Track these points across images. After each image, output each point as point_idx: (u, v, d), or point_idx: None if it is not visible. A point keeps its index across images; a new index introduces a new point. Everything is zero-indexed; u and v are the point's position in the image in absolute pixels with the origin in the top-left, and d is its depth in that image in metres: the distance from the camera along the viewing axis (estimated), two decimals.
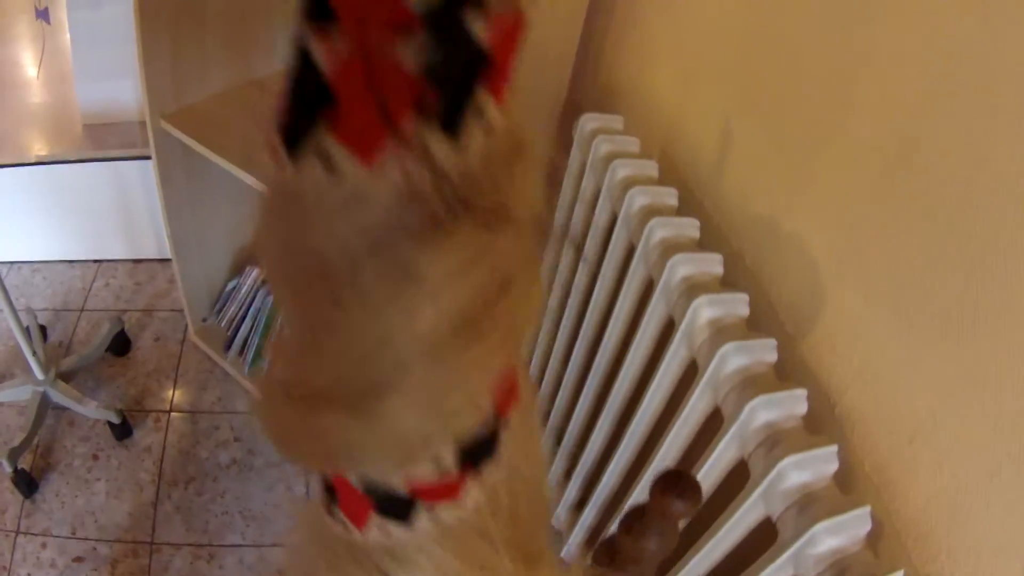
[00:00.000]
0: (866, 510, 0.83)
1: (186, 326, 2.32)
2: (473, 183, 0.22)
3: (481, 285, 0.23)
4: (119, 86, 2.36)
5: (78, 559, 1.84)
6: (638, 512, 0.58)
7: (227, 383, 2.23)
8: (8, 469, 1.89)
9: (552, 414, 1.65)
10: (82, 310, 2.43)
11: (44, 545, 1.86)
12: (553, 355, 1.63)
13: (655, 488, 0.55)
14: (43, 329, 2.28)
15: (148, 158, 1.82)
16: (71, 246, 2.59)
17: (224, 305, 2.18)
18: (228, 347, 2.19)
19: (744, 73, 1.18)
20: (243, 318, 2.12)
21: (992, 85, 0.73)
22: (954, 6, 0.78)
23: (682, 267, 1.09)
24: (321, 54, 0.21)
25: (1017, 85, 0.70)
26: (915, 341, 0.85)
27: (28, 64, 2.76)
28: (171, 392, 2.20)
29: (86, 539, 1.87)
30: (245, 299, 2.10)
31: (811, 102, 1.02)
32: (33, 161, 2.30)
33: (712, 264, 1.11)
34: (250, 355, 2.15)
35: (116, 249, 2.60)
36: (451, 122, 0.21)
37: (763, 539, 0.92)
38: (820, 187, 1.01)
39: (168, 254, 2.04)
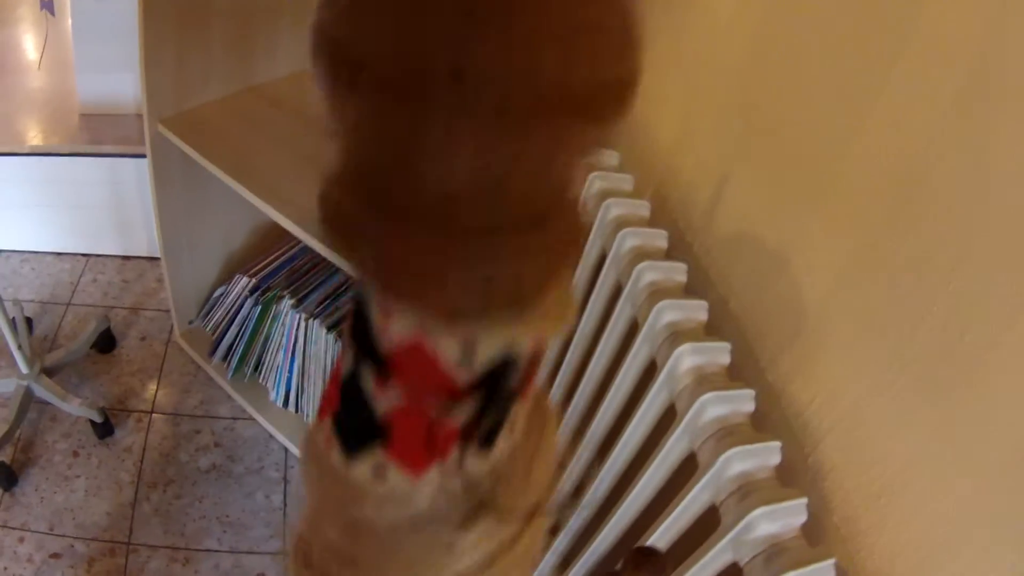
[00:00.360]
0: (830, 562, 0.88)
1: (172, 327, 2.35)
2: (498, 479, 0.28)
3: (497, 553, 0.29)
4: (119, 78, 2.40)
5: (55, 555, 1.87)
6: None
7: (210, 388, 2.27)
8: None
9: None
10: (69, 304, 2.46)
11: (22, 539, 1.89)
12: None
13: (626, 565, 0.60)
14: (29, 321, 2.31)
15: (144, 156, 1.85)
16: (62, 238, 2.61)
17: (211, 310, 2.21)
18: (213, 352, 2.22)
19: (742, 119, 1.22)
20: (229, 325, 2.15)
21: (983, 157, 0.78)
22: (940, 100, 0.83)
23: (667, 313, 1.13)
24: (378, 397, 0.26)
25: (1014, 152, 0.74)
26: (891, 401, 0.90)
27: (29, 48, 2.80)
28: (154, 393, 2.24)
29: (64, 535, 1.90)
30: (232, 306, 2.13)
31: (806, 154, 1.07)
32: (28, 151, 2.33)
33: (697, 311, 1.15)
34: (234, 362, 2.18)
35: (106, 244, 2.63)
36: (487, 440, 0.26)
37: None
38: (810, 241, 1.05)
39: (158, 252, 2.07)
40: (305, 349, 1.97)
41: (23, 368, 2.03)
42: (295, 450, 2.13)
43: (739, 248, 1.23)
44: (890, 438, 0.90)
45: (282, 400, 2.15)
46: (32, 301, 2.45)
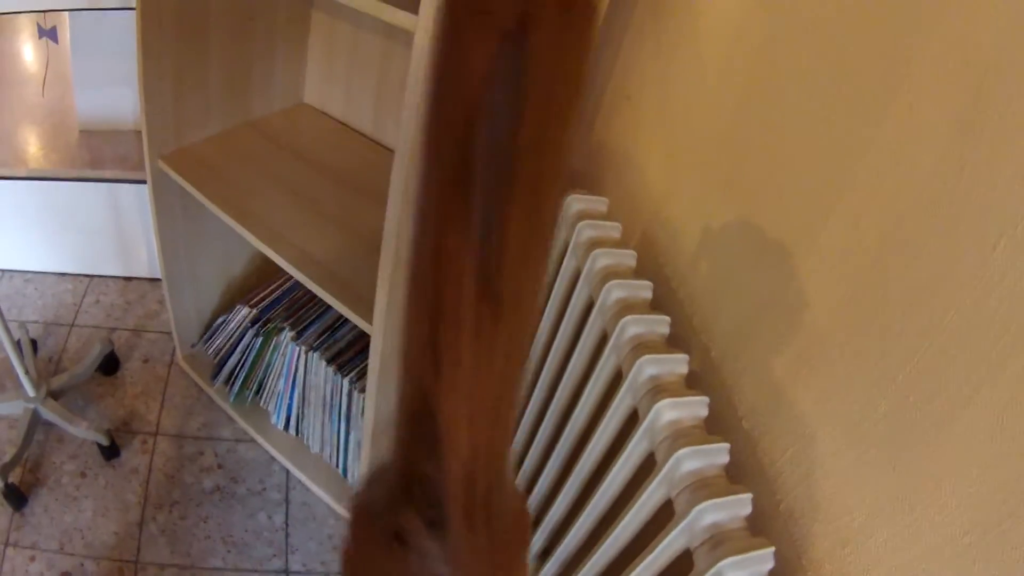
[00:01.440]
0: None
1: (174, 350, 2.48)
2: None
3: None
4: (118, 95, 2.50)
5: (65, 574, 1.99)
6: None
7: (212, 410, 2.39)
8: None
9: (524, 471, 1.83)
10: (72, 325, 2.58)
11: (33, 558, 2.01)
12: (524, 423, 1.81)
13: None
14: (34, 343, 2.43)
15: (143, 182, 1.95)
16: (64, 259, 2.72)
17: (212, 335, 2.33)
18: (215, 376, 2.34)
19: (728, 172, 1.31)
20: (231, 351, 2.27)
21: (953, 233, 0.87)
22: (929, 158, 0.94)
23: (649, 367, 1.25)
24: None
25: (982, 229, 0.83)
26: (859, 456, 1.00)
27: (28, 59, 2.88)
28: (158, 415, 2.36)
29: (73, 555, 2.03)
30: (233, 334, 2.24)
31: (789, 209, 1.15)
32: (30, 176, 2.43)
33: (678, 364, 1.27)
34: (236, 386, 2.30)
35: (108, 265, 2.74)
36: None
37: None
38: (790, 297, 1.14)
39: (159, 274, 2.17)
40: (305, 379, 2.09)
41: (30, 391, 2.15)
42: (296, 472, 2.25)
43: (722, 297, 1.33)
44: (857, 491, 1.01)
45: (283, 424, 2.28)
46: (36, 322, 2.57)
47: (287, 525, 2.19)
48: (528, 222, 0.37)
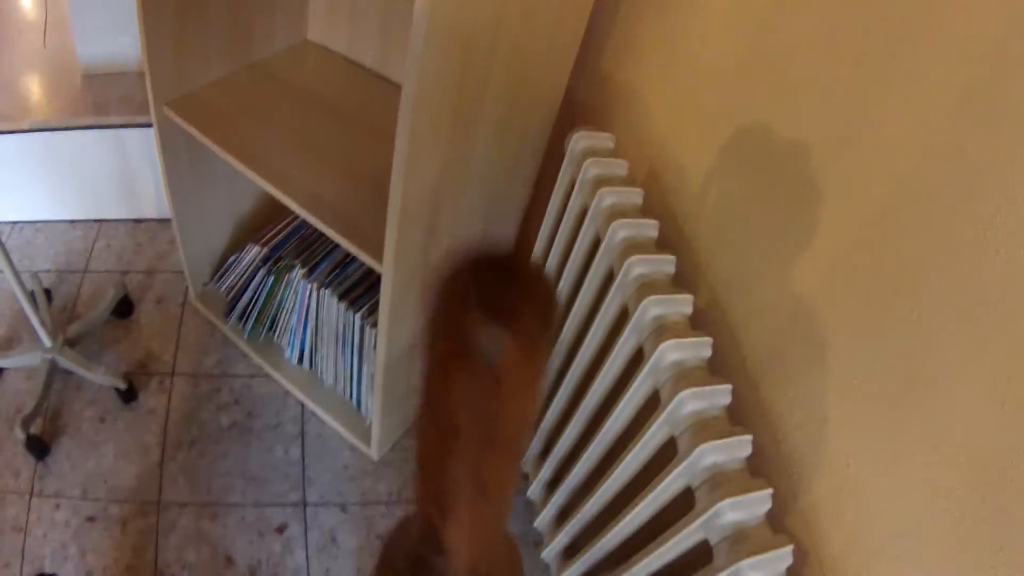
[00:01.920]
0: (788, 549, 1.06)
1: (187, 289, 2.52)
2: None
3: None
4: (118, 38, 2.51)
5: (90, 519, 2.07)
6: None
7: (227, 347, 2.45)
8: (21, 435, 2.11)
9: None
10: (85, 272, 2.62)
11: (58, 506, 2.09)
12: None
13: None
14: (48, 293, 2.47)
15: (149, 125, 1.95)
16: (73, 206, 2.75)
17: (224, 274, 2.37)
18: (228, 313, 2.38)
19: (738, 107, 1.31)
20: (243, 290, 2.31)
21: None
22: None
23: (654, 307, 1.29)
24: None
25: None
26: (855, 407, 1.04)
27: (27, 4, 2.88)
28: (173, 355, 2.41)
29: (97, 499, 2.10)
30: (245, 273, 2.28)
31: (799, 149, 1.15)
32: (34, 127, 2.45)
33: (683, 305, 1.31)
34: (249, 323, 2.35)
35: (117, 209, 2.77)
36: None
37: (698, 558, 1.16)
38: (796, 241, 1.16)
39: (168, 214, 2.19)
40: (318, 315, 2.13)
41: (46, 341, 2.20)
42: (311, 405, 2.31)
43: (729, 237, 1.35)
44: (855, 438, 1.04)
45: (296, 358, 2.33)
46: (48, 271, 2.61)
47: (303, 458, 2.25)
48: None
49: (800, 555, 1.10)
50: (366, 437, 2.21)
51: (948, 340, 0.88)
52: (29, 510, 2.07)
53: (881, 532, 1.00)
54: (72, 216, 2.78)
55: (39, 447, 2.15)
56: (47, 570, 1.35)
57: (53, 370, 2.25)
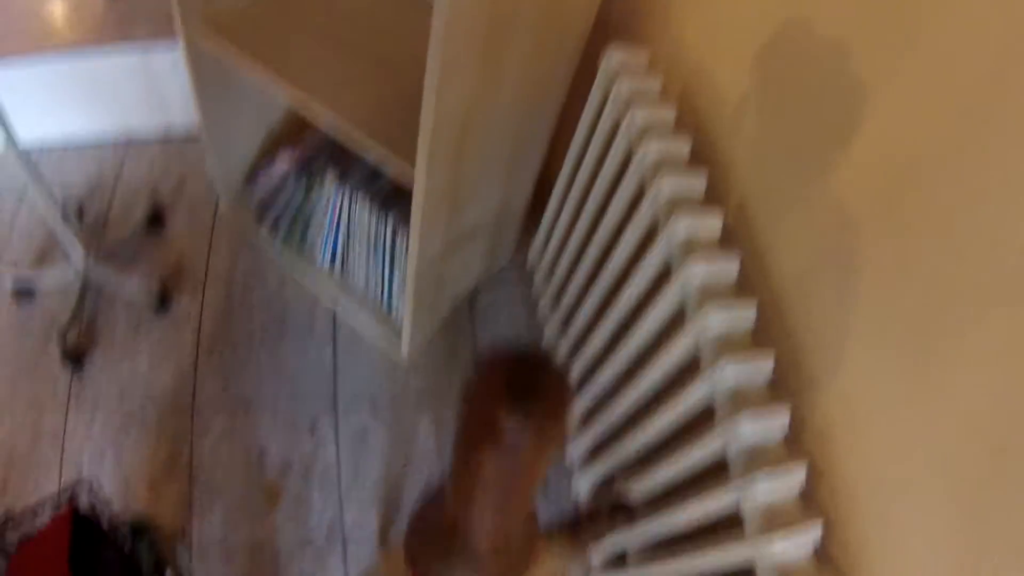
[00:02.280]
0: (802, 467, 1.12)
1: (217, 200, 2.57)
2: None
3: None
4: None
5: (126, 425, 2.16)
6: (594, 510, 0.89)
7: (259, 253, 2.50)
8: (57, 349, 2.20)
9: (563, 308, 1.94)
10: (115, 188, 2.66)
11: (95, 414, 2.18)
12: (563, 259, 1.90)
13: (608, 510, 0.88)
14: (79, 210, 2.52)
15: (175, 41, 1.94)
16: (101, 125, 2.77)
17: (254, 184, 2.39)
18: (260, 221, 2.43)
19: (775, 20, 1.28)
20: (274, 198, 2.34)
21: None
22: None
23: (683, 224, 1.31)
24: None
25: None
26: (878, 337, 1.06)
27: None
28: (205, 264, 2.47)
29: (133, 405, 2.20)
30: (276, 181, 2.31)
31: (839, 67, 1.11)
32: (59, 49, 2.47)
33: (712, 223, 1.33)
34: (281, 230, 2.40)
35: (146, 125, 2.79)
36: None
37: (715, 472, 1.21)
38: (833, 160, 1.14)
39: (197, 128, 2.21)
40: (349, 221, 2.16)
41: (79, 257, 2.27)
42: (342, 308, 2.38)
43: (762, 155, 1.35)
44: (871, 373, 1.07)
45: (328, 263, 2.38)
46: (79, 189, 2.65)
47: (335, 359, 2.33)
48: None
49: (814, 474, 1.14)
50: (397, 337, 2.27)
51: (974, 290, 0.89)
52: (67, 419, 2.16)
53: (894, 465, 1.03)
54: (101, 135, 2.80)
55: (75, 359, 2.23)
56: (86, 476, 1.42)
57: (86, 284, 2.33)
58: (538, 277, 2.23)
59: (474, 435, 0.58)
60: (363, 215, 2.08)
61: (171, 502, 2.06)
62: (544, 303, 2.17)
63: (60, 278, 2.33)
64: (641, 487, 1.43)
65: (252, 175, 2.45)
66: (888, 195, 1.02)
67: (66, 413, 2.17)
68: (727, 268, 1.29)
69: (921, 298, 0.97)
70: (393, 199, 2.04)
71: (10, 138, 1.89)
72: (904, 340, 1.00)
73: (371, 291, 2.32)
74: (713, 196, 1.40)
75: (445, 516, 0.71)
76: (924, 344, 0.96)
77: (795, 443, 1.18)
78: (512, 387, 0.55)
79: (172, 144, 2.80)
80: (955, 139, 0.90)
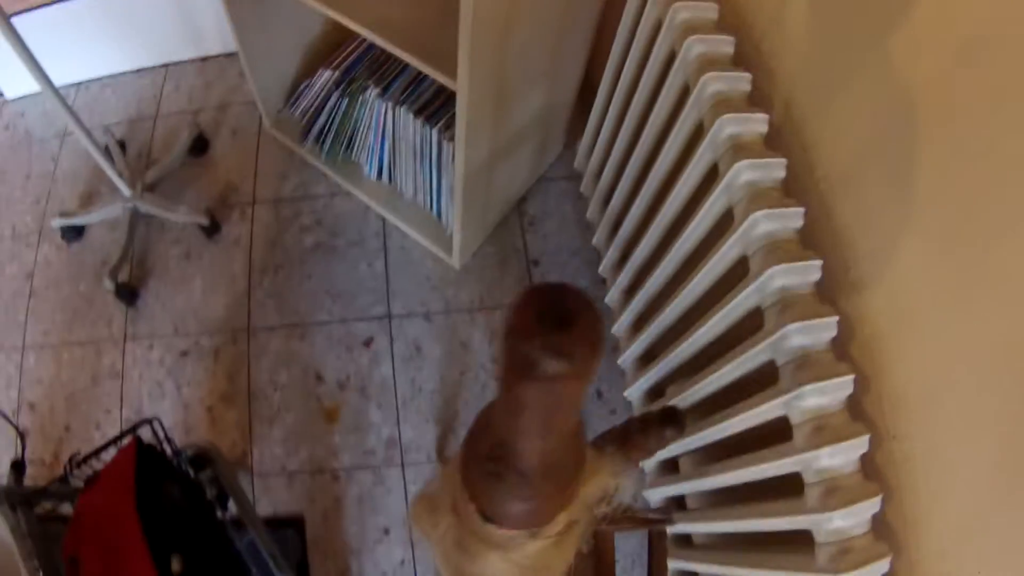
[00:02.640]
0: (850, 378, 1.10)
1: (260, 119, 2.56)
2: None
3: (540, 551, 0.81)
4: None
5: (184, 353, 2.22)
6: (644, 421, 0.87)
7: (305, 170, 2.51)
8: (110, 286, 2.23)
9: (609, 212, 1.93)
10: (156, 117, 2.67)
11: (151, 346, 2.24)
12: (610, 161, 1.88)
13: (658, 418, 0.86)
14: (122, 144, 2.53)
15: None
16: (136, 56, 2.75)
17: (297, 100, 2.40)
18: (304, 137, 2.43)
19: None
20: (318, 113, 2.34)
21: None
22: None
23: (729, 125, 1.27)
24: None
25: None
26: (923, 242, 1.03)
27: None
28: (252, 184, 2.49)
29: (189, 334, 2.25)
30: (318, 97, 2.30)
31: None
32: None
33: (758, 124, 1.29)
34: (327, 144, 2.39)
35: (182, 51, 2.77)
36: None
37: (763, 380, 1.20)
38: (886, 53, 1.08)
39: (234, 48, 2.19)
40: (394, 131, 2.15)
41: (125, 191, 2.28)
42: (392, 219, 2.38)
43: (810, 53, 1.29)
44: (923, 273, 1.03)
45: (375, 174, 2.38)
46: (120, 123, 2.66)
47: (387, 271, 2.34)
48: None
49: (862, 383, 1.13)
50: (447, 247, 2.28)
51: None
52: (124, 355, 2.23)
53: (941, 372, 1.01)
54: (137, 66, 2.79)
55: (128, 294, 2.28)
56: (146, 412, 1.46)
57: (135, 217, 2.35)
58: (586, 181, 2.20)
59: (511, 370, 0.58)
60: (408, 125, 2.06)
61: (231, 430, 2.13)
62: (593, 207, 2.15)
63: (108, 214, 2.36)
64: (691, 395, 1.44)
65: (293, 93, 2.45)
66: (945, 76, 0.97)
67: (123, 350, 2.24)
68: (774, 168, 1.25)
69: (978, 192, 0.92)
70: (437, 107, 2.02)
71: (46, 79, 1.89)
72: (959, 238, 0.96)
73: (420, 199, 2.32)
74: (758, 97, 1.36)
75: (492, 441, 0.72)
76: (981, 243, 0.93)
77: (843, 350, 1.16)
78: (544, 320, 0.55)
79: (210, 70, 2.79)
80: None
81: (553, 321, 0.55)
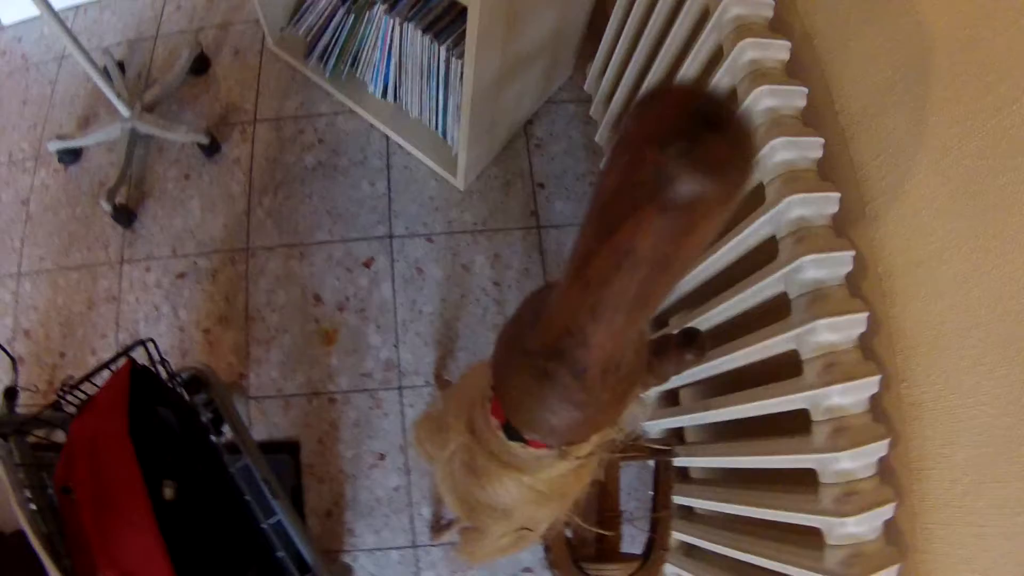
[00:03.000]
0: (863, 316, 1.08)
1: (263, 37, 2.49)
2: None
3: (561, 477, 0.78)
4: None
5: (181, 275, 2.20)
6: (662, 344, 0.84)
7: (308, 88, 2.45)
8: (107, 208, 2.19)
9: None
10: (157, 37, 2.59)
11: (148, 269, 2.21)
12: (622, 85, 1.83)
13: (677, 340, 0.81)
14: (120, 65, 2.46)
15: None
16: None
17: (301, 17, 2.33)
18: (309, 54, 2.37)
19: None
20: (323, 30, 2.28)
21: None
22: None
23: (750, 50, 1.23)
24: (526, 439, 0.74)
25: None
26: (941, 184, 1.00)
27: None
28: (254, 103, 2.43)
29: (186, 255, 2.22)
30: (323, 13, 2.24)
31: None
32: None
33: (780, 51, 1.25)
34: (331, 62, 2.33)
35: None
36: None
37: (776, 311, 1.17)
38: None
39: None
40: (401, 48, 2.08)
41: (124, 112, 2.23)
42: (396, 137, 2.34)
43: None
44: (938, 216, 1.01)
45: (380, 92, 2.32)
46: (119, 44, 2.59)
47: (389, 191, 2.31)
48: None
49: (873, 323, 1.10)
50: (452, 167, 2.24)
51: None
52: (121, 278, 2.20)
53: (952, 317, 0.99)
54: None
55: (126, 216, 2.24)
56: (142, 335, 1.43)
57: (134, 138, 2.30)
58: (595, 104, 2.15)
59: (628, 195, 0.44)
60: (415, 42, 2.01)
61: (228, 353, 2.11)
62: (602, 131, 2.10)
63: (105, 136, 2.31)
64: (697, 326, 1.40)
65: (298, 10, 2.39)
66: (961, 31, 0.95)
67: (120, 273, 2.21)
68: (794, 96, 1.21)
69: (998, 126, 0.89)
70: (446, 24, 1.96)
71: (44, 2, 1.83)
72: (978, 180, 0.93)
73: (425, 118, 2.28)
74: (779, 25, 1.31)
75: (550, 334, 0.60)
76: (1001, 186, 0.90)
77: (856, 287, 1.14)
78: (687, 120, 0.41)
79: None
80: None
81: (698, 121, 0.41)
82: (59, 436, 1.38)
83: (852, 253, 1.10)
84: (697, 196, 0.41)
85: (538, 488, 0.78)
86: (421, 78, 2.11)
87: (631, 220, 0.44)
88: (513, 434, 0.74)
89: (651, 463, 1.26)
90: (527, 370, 0.63)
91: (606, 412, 0.66)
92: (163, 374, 1.46)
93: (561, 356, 0.59)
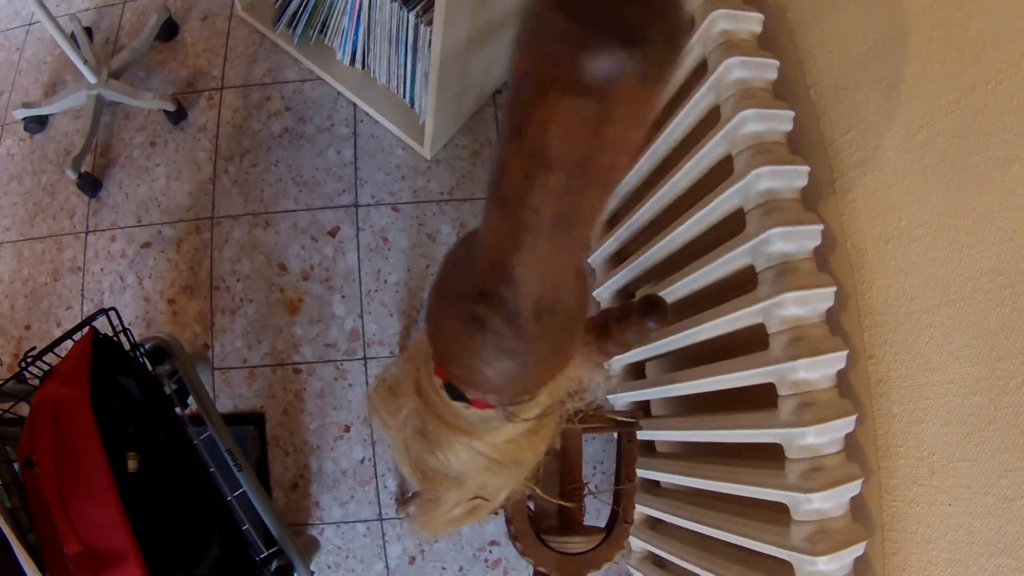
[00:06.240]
0: (831, 290, 1.06)
1: (232, 2, 2.43)
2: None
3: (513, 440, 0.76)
4: None
5: (146, 244, 2.15)
6: (624, 311, 0.81)
7: (276, 55, 2.40)
8: (72, 176, 2.14)
9: None
10: (125, 2, 2.51)
11: (113, 238, 2.17)
12: None
13: (639, 307, 0.79)
14: (88, 31, 2.40)
15: None
16: None
17: None
18: (277, 20, 2.31)
19: None
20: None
21: None
22: None
23: (722, 22, 1.20)
24: (469, 399, 0.71)
25: None
26: (911, 162, 0.99)
27: None
28: (222, 69, 2.38)
29: (151, 224, 2.18)
30: None
31: None
32: None
33: (752, 23, 1.22)
34: (299, 28, 2.29)
35: None
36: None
37: (743, 285, 1.16)
38: None
39: None
40: (370, 14, 2.04)
41: (90, 78, 2.17)
42: (363, 105, 2.30)
43: None
44: (907, 194, 1.00)
45: (348, 59, 2.28)
46: (87, 10, 2.51)
47: (356, 159, 2.28)
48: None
49: (841, 298, 1.09)
50: (419, 135, 2.21)
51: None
52: (86, 248, 2.16)
53: (922, 294, 0.98)
54: None
55: (91, 184, 2.20)
56: (107, 305, 1.40)
57: (100, 105, 2.25)
58: None
59: (533, 80, 0.37)
60: (384, 7, 1.96)
61: (192, 323, 2.08)
62: None
63: (72, 103, 2.26)
64: (665, 296, 1.39)
65: None
66: (933, 12, 0.94)
67: (85, 243, 2.17)
68: (767, 68, 1.18)
69: (972, 105, 0.88)
70: None
71: None
72: (948, 159, 0.92)
73: (393, 85, 2.23)
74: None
75: (478, 275, 0.54)
76: (971, 165, 0.89)
77: (825, 260, 1.13)
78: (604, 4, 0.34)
79: None
80: None
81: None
82: (24, 409, 1.35)
83: (821, 227, 1.08)
84: (610, 72, 0.34)
85: (489, 454, 0.75)
86: (389, 45, 2.07)
87: (537, 110, 0.37)
88: (456, 393, 0.70)
89: (615, 435, 1.24)
90: (458, 317, 0.57)
91: (545, 364, 0.61)
92: (126, 344, 1.43)
93: (490, 298, 0.53)
